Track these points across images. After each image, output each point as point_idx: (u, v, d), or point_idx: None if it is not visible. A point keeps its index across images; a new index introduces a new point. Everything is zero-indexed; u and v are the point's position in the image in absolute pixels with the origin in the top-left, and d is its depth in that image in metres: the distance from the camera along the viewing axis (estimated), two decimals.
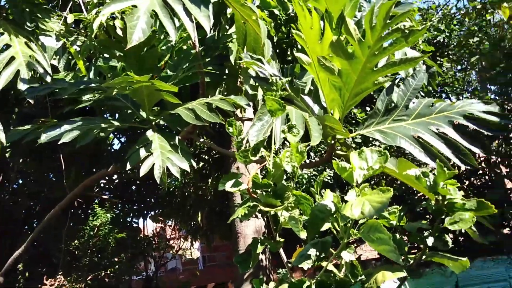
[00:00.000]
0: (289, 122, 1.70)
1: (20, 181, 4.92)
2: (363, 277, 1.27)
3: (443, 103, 1.84)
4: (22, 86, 2.27)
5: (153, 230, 7.34)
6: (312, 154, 5.47)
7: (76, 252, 5.44)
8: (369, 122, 1.90)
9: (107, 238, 5.43)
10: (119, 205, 6.04)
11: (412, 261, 1.29)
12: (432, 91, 6.10)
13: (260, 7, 2.66)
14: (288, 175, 1.38)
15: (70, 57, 2.67)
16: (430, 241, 1.25)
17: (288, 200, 1.32)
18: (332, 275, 1.28)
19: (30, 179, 4.87)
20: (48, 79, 2.39)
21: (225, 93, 2.53)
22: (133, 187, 5.99)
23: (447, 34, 7.01)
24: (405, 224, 1.30)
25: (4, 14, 2.74)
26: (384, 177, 5.72)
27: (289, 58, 3.10)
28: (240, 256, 1.41)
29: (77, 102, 2.42)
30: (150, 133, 2.18)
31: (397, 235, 1.25)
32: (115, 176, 5.45)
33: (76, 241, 5.36)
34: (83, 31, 2.71)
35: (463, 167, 1.79)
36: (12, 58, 2.31)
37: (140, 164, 2.05)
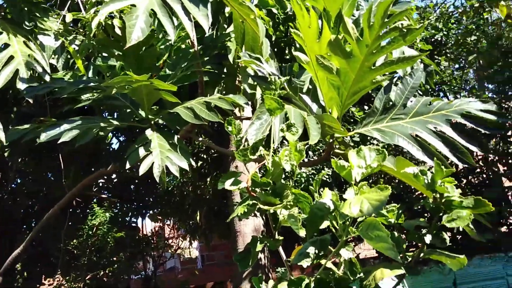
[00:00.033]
0: (288, 121, 1.70)
1: (19, 181, 4.91)
2: (361, 274, 1.28)
3: (440, 102, 1.85)
4: (21, 85, 2.27)
5: (152, 229, 7.34)
6: (310, 152, 5.48)
7: (75, 251, 5.42)
8: (367, 121, 1.91)
9: (105, 237, 5.40)
10: (118, 204, 6.02)
11: (410, 259, 1.30)
12: (430, 90, 6.12)
13: (258, 6, 2.66)
14: (287, 173, 1.38)
15: (69, 56, 2.67)
16: (428, 238, 1.25)
17: (287, 198, 1.32)
18: (331, 272, 1.29)
19: (29, 179, 4.86)
20: (47, 78, 2.39)
21: (224, 92, 2.54)
22: (132, 187, 5.98)
23: (445, 33, 7.02)
24: (403, 222, 1.31)
25: (3, 13, 2.73)
26: (382, 175, 5.73)
27: (287, 57, 3.11)
28: (239, 255, 1.40)
29: (76, 101, 2.42)
30: (149, 132, 2.18)
31: (395, 233, 1.26)
32: (114, 175, 5.45)
33: (75, 241, 5.33)
34: (81, 30, 2.70)
35: (460, 166, 1.80)
36: (11, 57, 2.31)
37: (139, 163, 2.05)
